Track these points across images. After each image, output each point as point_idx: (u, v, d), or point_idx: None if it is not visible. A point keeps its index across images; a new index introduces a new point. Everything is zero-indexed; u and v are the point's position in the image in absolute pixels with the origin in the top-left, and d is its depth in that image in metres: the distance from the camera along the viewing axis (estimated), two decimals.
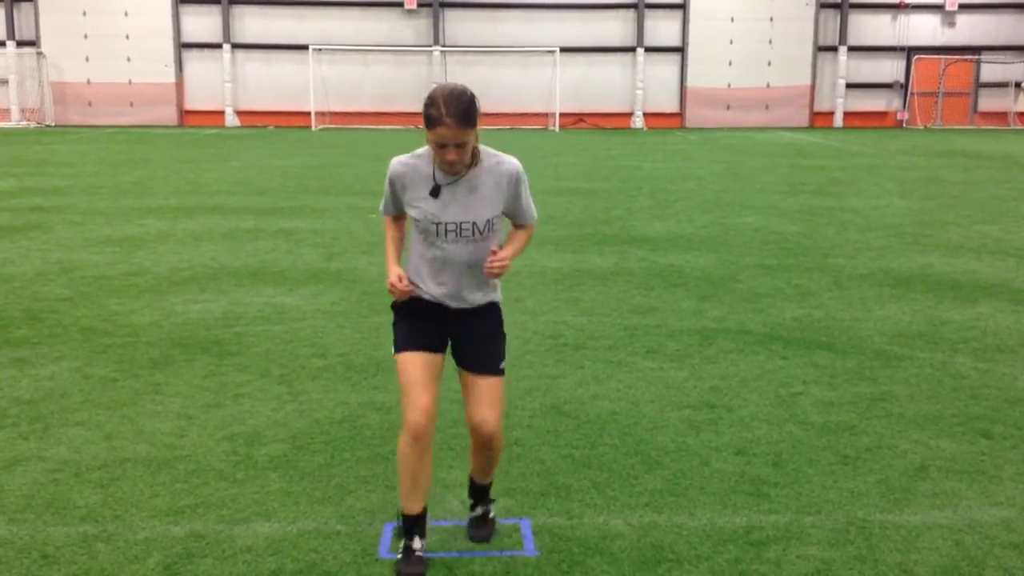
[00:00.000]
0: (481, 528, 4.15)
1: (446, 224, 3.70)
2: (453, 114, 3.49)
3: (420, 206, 3.73)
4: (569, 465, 4.92)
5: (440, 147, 3.56)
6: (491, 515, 4.20)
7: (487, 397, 3.87)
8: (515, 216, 3.92)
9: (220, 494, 4.57)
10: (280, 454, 5.05)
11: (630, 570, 3.87)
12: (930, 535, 4.19)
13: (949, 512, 4.42)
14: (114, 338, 7.36)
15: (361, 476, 4.78)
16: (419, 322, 3.86)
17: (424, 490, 3.86)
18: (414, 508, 3.85)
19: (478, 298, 3.87)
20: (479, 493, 4.18)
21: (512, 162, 3.79)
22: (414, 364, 3.79)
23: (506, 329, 4.05)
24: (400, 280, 3.76)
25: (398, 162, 3.79)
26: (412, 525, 3.86)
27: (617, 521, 4.29)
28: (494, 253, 3.71)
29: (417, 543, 3.85)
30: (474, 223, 3.71)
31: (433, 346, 3.86)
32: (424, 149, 3.77)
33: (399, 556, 3.86)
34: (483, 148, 3.76)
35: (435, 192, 3.70)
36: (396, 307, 3.93)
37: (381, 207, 3.98)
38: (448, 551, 4.01)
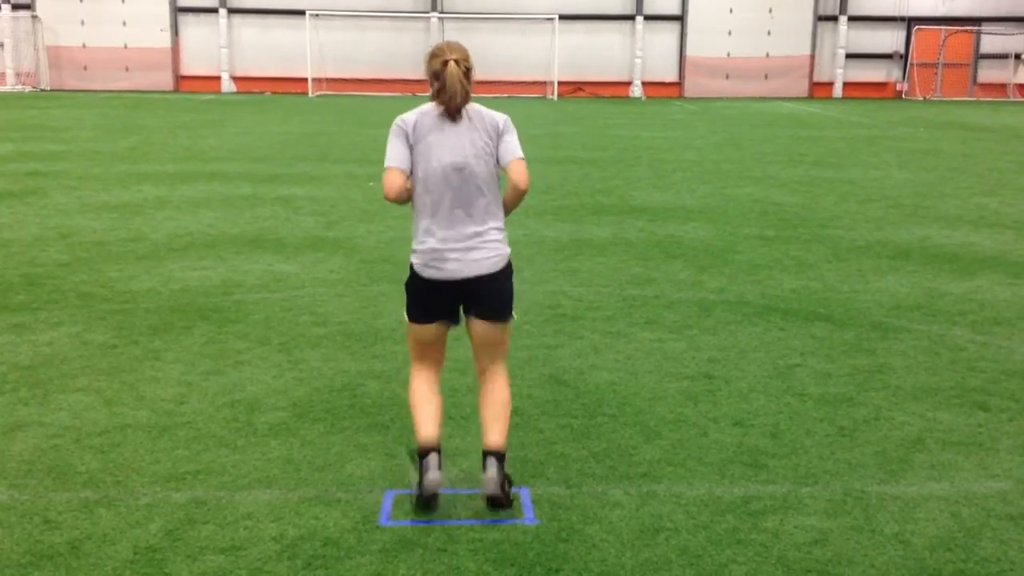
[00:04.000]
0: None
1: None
2: (450, 42, 4.22)
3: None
4: (568, 435, 4.94)
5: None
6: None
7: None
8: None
9: (221, 460, 4.59)
10: (280, 422, 5.07)
11: (628, 539, 3.90)
12: (927, 506, 4.22)
13: (946, 484, 4.45)
14: (113, 304, 7.36)
15: (361, 444, 4.80)
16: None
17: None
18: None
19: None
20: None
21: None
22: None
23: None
24: None
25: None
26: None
27: (616, 490, 4.32)
28: None
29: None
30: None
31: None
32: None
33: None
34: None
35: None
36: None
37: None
38: (447, 519, 4.04)
